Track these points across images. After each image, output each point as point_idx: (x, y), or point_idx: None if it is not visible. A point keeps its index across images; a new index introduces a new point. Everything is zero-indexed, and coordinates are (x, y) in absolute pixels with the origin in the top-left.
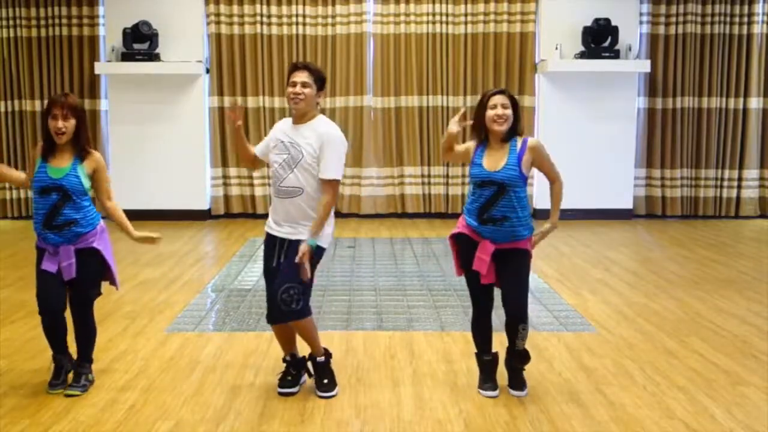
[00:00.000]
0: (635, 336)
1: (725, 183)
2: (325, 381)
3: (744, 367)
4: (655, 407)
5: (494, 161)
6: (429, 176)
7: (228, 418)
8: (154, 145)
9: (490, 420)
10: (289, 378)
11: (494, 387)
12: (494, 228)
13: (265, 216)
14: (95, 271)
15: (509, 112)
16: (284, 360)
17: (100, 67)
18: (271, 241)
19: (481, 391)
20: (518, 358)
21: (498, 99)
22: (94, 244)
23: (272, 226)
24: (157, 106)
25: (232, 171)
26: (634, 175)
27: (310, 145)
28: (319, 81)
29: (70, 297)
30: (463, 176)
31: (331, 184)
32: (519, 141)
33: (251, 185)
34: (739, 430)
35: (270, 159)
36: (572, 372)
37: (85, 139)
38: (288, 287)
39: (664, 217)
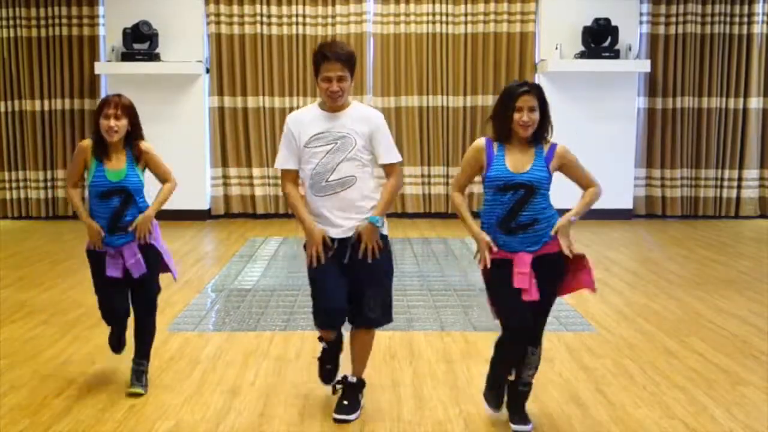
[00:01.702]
0: (635, 336)
1: (725, 183)
2: (345, 402)
3: (744, 367)
4: (655, 407)
5: (519, 162)
6: (429, 176)
7: (228, 418)
8: (154, 145)
9: (490, 420)
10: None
11: (527, 421)
12: (525, 235)
13: (265, 216)
14: (155, 266)
15: (536, 116)
16: (341, 382)
17: (100, 67)
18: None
19: (514, 426)
20: (525, 389)
21: (526, 101)
22: (151, 240)
23: (330, 229)
24: (157, 106)
25: (232, 171)
26: (634, 175)
27: (359, 131)
28: (353, 69)
29: (135, 296)
30: None
31: (395, 167)
32: (546, 147)
33: (251, 185)
34: (739, 430)
35: (306, 155)
36: (572, 372)
37: (136, 138)
38: (380, 292)
39: (664, 217)
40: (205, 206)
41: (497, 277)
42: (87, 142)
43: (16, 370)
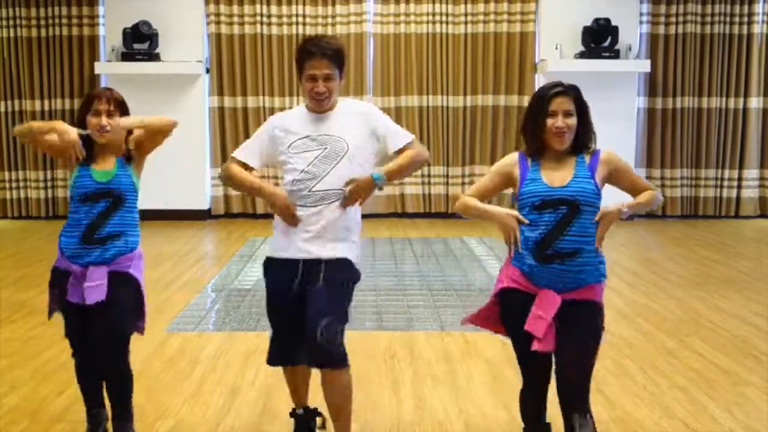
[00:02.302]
0: (635, 336)
1: (725, 183)
2: None
3: (744, 367)
4: (655, 407)
5: (557, 175)
6: (429, 176)
7: (228, 418)
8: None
9: (490, 420)
10: None
11: None
12: (562, 268)
13: (266, 216)
14: (127, 300)
15: (573, 121)
16: (297, 413)
17: (100, 67)
18: (289, 270)
19: None
20: None
21: (560, 103)
22: (130, 270)
23: (290, 248)
24: (157, 106)
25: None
26: None
27: (352, 133)
28: (341, 66)
29: (94, 331)
30: (463, 176)
31: (412, 145)
32: (587, 156)
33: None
34: (739, 430)
35: (289, 161)
36: None
37: (128, 139)
38: (331, 320)
39: (664, 217)
40: (205, 206)
41: (511, 314)
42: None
43: (16, 370)
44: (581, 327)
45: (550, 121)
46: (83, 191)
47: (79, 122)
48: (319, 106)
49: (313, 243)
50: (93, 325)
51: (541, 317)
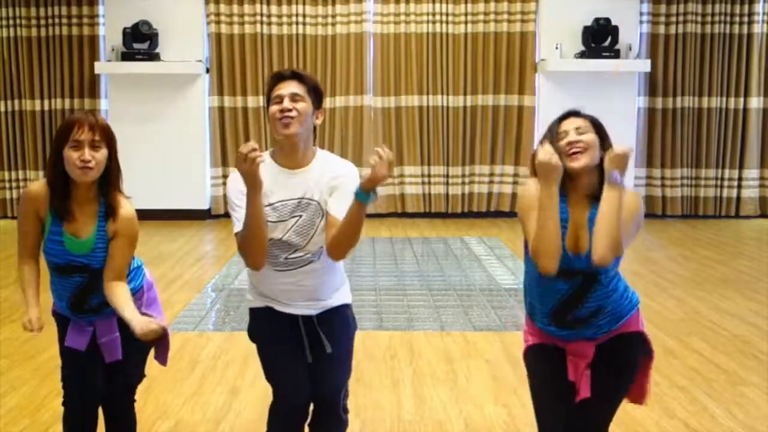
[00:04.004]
0: None
1: (725, 183)
2: None
3: (744, 367)
4: (655, 407)
5: (579, 234)
6: (429, 176)
7: (228, 418)
8: (155, 145)
9: (490, 420)
10: None
11: None
12: (584, 328)
13: None
14: (141, 351)
15: (590, 137)
16: None
17: (100, 67)
18: (282, 322)
19: None
20: None
21: (571, 122)
22: (143, 309)
23: (276, 302)
24: (157, 105)
25: (232, 171)
26: (634, 175)
27: (327, 193)
28: (316, 94)
29: (108, 384)
30: (463, 176)
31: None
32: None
33: None
34: (739, 430)
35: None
36: None
37: (115, 182)
38: (346, 386)
39: (664, 217)
40: (205, 206)
41: (539, 372)
42: (39, 187)
43: (16, 370)
44: (615, 374)
45: (562, 144)
46: (53, 260)
47: (56, 158)
48: (286, 128)
49: (300, 304)
50: (108, 376)
51: (579, 366)
